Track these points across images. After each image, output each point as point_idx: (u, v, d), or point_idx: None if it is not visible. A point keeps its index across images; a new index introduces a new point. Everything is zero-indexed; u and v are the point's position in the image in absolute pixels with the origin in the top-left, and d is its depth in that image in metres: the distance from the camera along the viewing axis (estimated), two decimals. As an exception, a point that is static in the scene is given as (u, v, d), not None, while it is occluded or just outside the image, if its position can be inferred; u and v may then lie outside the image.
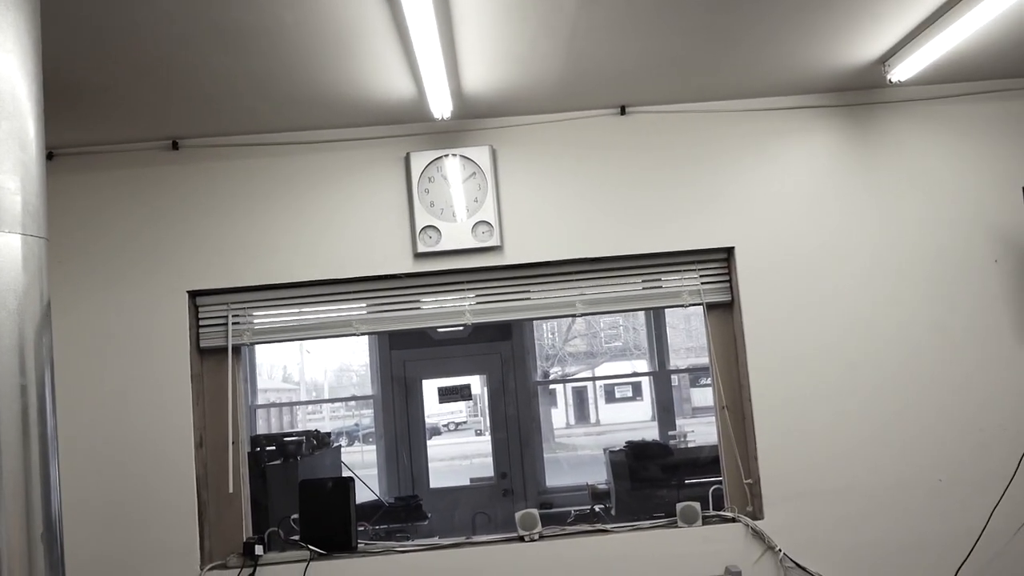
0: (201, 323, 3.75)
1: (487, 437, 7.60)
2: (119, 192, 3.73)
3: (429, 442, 7.53)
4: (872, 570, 3.59)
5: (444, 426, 11.87)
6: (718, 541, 3.60)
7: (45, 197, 1.96)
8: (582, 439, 12.07)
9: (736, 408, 3.79)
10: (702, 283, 3.80)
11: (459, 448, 10.63)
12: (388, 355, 7.45)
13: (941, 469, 3.64)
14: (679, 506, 3.65)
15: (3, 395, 1.80)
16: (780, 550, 3.57)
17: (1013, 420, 3.66)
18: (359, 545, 3.68)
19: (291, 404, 10.34)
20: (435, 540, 3.69)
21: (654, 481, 5.95)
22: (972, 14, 2.90)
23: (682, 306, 3.80)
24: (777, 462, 3.63)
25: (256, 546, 3.58)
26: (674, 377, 8.82)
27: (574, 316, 3.78)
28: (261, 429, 8.38)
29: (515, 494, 7.19)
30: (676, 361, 9.08)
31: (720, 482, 3.84)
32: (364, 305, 3.78)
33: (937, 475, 3.63)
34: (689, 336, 9.83)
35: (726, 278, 3.81)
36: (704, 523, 3.63)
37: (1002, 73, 3.74)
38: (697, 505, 3.64)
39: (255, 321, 3.77)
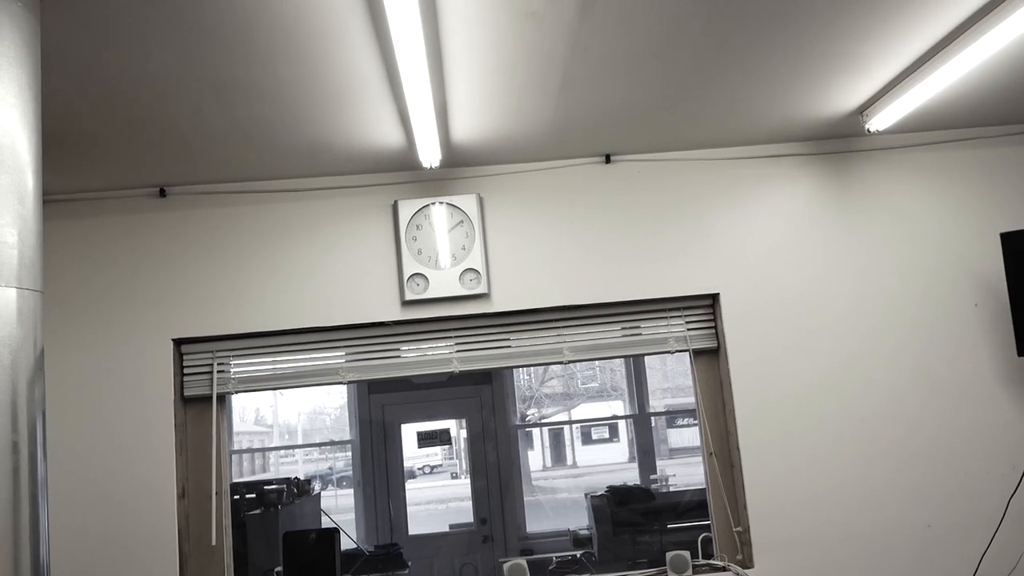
0: (186, 371, 3.70)
1: (463, 480, 7.52)
2: (105, 239, 3.69)
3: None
4: (861, 617, 3.59)
5: (419, 469, 11.75)
6: (708, 589, 3.58)
7: (41, 250, 1.94)
8: (559, 482, 11.99)
9: (723, 455, 3.79)
10: (688, 329, 3.83)
11: (435, 492, 10.51)
12: (367, 399, 7.39)
13: (929, 515, 3.66)
14: (668, 555, 3.63)
15: (-4, 453, 1.76)
16: (770, 598, 3.56)
17: (997, 464, 3.70)
18: (344, 597, 3.62)
19: (269, 449, 10.18)
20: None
21: (637, 526, 5.91)
22: (948, 67, 2.99)
23: (668, 352, 3.81)
24: (766, 509, 3.63)
25: (239, 600, 3.51)
26: (652, 418, 8.81)
27: (562, 363, 3.78)
28: (234, 473, 8.25)
29: (495, 541, 7.11)
30: (653, 402, 9.08)
31: (706, 527, 3.83)
32: (350, 353, 3.76)
33: (925, 521, 3.65)
34: (665, 377, 9.86)
35: (712, 324, 3.83)
36: (694, 572, 3.61)
37: (977, 122, 3.84)
38: (687, 554, 3.62)
39: (240, 369, 3.73)
